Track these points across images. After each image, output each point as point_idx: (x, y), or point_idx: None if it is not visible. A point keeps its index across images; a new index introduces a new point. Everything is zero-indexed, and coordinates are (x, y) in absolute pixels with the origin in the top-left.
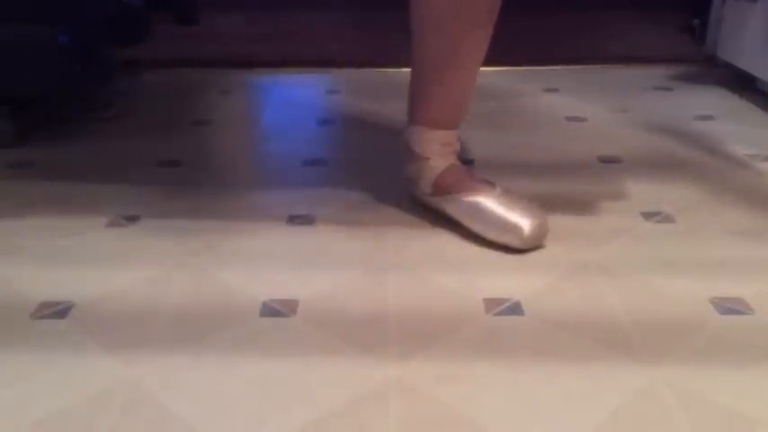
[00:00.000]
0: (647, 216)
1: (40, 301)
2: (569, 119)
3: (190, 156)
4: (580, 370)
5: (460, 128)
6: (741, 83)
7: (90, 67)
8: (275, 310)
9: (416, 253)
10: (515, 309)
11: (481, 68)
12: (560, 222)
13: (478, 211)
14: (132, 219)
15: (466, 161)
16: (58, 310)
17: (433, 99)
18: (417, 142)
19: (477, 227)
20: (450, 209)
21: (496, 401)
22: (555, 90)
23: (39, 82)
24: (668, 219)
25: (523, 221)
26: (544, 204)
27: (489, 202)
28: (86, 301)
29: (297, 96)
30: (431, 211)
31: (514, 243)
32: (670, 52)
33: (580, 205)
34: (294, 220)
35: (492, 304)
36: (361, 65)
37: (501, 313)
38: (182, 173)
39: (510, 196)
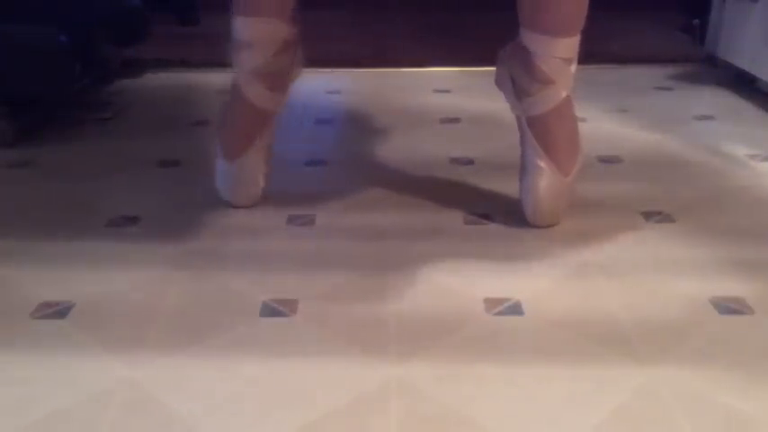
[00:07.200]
0: (647, 216)
1: (40, 301)
2: None
3: (189, 156)
4: (580, 370)
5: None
6: (741, 83)
7: (90, 67)
8: (275, 310)
9: (416, 253)
10: (515, 309)
11: (481, 69)
12: (560, 222)
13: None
14: (132, 219)
15: (466, 161)
16: (57, 310)
17: None
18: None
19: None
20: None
21: (496, 401)
22: None
23: (39, 82)
24: (668, 219)
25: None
26: None
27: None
28: (86, 301)
29: (296, 96)
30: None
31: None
32: (670, 52)
33: (580, 205)
34: (294, 220)
35: (492, 304)
36: (361, 65)
37: (501, 313)
38: (181, 173)
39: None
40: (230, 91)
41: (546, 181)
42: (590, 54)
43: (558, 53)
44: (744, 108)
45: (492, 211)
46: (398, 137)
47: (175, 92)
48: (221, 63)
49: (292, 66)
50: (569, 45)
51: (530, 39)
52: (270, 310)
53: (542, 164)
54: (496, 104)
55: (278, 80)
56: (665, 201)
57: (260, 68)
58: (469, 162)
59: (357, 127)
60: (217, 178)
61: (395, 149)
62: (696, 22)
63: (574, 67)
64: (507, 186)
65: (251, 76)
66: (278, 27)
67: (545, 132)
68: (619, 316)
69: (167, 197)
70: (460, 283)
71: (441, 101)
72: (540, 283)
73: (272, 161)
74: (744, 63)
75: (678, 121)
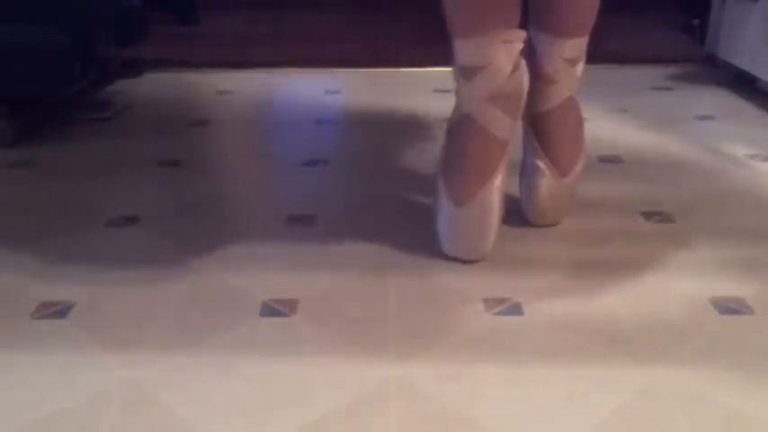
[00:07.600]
0: (647, 216)
1: (40, 301)
2: None
3: (189, 156)
4: (580, 370)
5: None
6: (741, 83)
7: (90, 67)
8: (275, 310)
9: (416, 252)
10: (515, 309)
11: None
12: (561, 222)
13: None
14: (132, 219)
15: None
16: (57, 310)
17: None
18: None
19: None
20: None
21: (496, 401)
22: None
23: (39, 82)
24: (668, 219)
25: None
26: None
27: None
28: (86, 301)
29: (296, 96)
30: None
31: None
32: (670, 52)
33: (580, 205)
34: (294, 220)
35: (492, 304)
36: (361, 65)
37: (501, 313)
38: (181, 173)
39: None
40: (453, 127)
41: (546, 181)
42: (590, 54)
43: (564, 54)
44: (744, 108)
45: None
46: (398, 137)
47: (175, 92)
48: (220, 63)
49: (523, 82)
50: (576, 45)
51: (537, 38)
52: (270, 310)
53: (541, 164)
54: None
55: (512, 102)
56: (665, 201)
57: (496, 91)
58: None
59: (357, 127)
60: (441, 229)
61: (395, 149)
62: (696, 22)
63: (580, 68)
64: (507, 186)
65: (486, 103)
66: (516, 36)
67: (545, 132)
68: (619, 316)
69: (167, 197)
70: (460, 283)
71: (441, 101)
72: (540, 283)
73: (272, 161)
74: (744, 63)
75: (678, 120)
